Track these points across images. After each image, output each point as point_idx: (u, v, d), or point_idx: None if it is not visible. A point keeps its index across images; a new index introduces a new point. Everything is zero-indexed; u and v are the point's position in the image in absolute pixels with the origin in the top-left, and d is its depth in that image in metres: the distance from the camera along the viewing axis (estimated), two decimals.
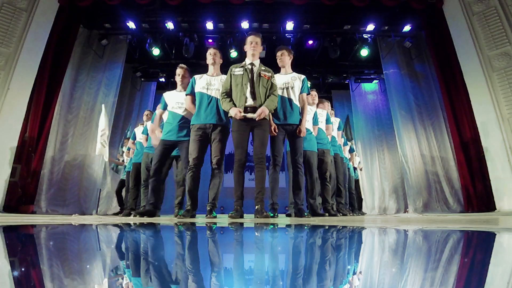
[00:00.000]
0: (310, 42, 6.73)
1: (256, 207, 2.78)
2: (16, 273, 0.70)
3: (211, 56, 3.26)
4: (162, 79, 8.04)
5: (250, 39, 3.04)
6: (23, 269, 0.76)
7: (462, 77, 4.89)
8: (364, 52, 6.72)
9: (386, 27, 6.58)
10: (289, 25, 6.19)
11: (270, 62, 3.50)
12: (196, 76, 3.29)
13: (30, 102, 4.80)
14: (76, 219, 3.08)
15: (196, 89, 3.21)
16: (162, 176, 3.48)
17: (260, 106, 2.85)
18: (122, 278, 0.66)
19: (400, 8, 5.71)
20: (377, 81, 8.13)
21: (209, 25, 6.15)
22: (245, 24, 6.15)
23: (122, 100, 7.16)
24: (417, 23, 6.13)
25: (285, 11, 5.98)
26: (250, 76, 2.90)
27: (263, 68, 3.01)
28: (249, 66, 2.96)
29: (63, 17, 5.22)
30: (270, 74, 3.01)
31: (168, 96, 3.63)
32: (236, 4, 5.53)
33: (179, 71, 3.60)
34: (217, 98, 3.11)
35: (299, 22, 6.29)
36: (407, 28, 6.24)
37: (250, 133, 2.92)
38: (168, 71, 7.93)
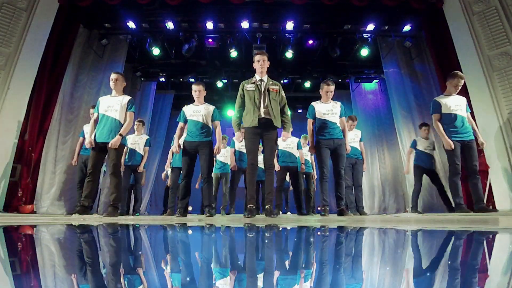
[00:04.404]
0: (310, 42, 6.72)
1: (266, 207, 3.26)
2: (16, 273, 0.70)
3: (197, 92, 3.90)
4: (162, 79, 8.04)
5: (257, 57, 3.40)
6: (23, 269, 0.76)
7: None
8: (364, 52, 6.71)
9: (386, 27, 6.57)
10: (289, 25, 6.19)
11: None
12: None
13: (30, 102, 4.80)
14: (76, 219, 3.08)
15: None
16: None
17: (270, 117, 3.28)
18: (124, 278, 0.66)
19: (400, 8, 5.70)
20: (377, 81, 8.12)
21: (209, 25, 6.15)
22: (245, 24, 6.14)
23: None
24: (417, 23, 6.12)
25: (285, 11, 5.97)
26: (261, 91, 3.33)
27: (271, 82, 3.42)
28: (259, 82, 3.37)
29: (63, 17, 5.21)
30: (277, 87, 3.42)
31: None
32: (236, 4, 5.53)
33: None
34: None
35: (299, 22, 6.28)
36: (407, 28, 6.24)
37: (260, 140, 3.38)
38: (168, 71, 7.93)
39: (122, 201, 4.91)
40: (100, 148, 3.56)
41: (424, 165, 5.00)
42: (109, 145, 3.46)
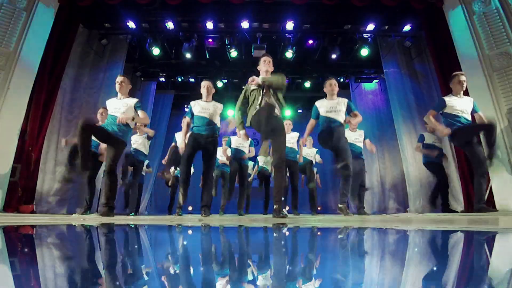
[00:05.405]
0: (310, 42, 6.72)
1: (275, 207, 3.09)
2: (16, 273, 0.70)
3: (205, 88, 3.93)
4: (162, 79, 8.03)
5: (264, 58, 3.42)
6: (23, 269, 0.76)
7: None
8: (364, 52, 6.70)
9: (386, 27, 6.57)
10: (289, 25, 6.19)
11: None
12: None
13: (30, 102, 4.80)
14: (76, 219, 3.08)
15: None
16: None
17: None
18: (124, 278, 0.66)
19: (400, 7, 5.70)
20: (377, 81, 8.12)
21: (209, 25, 6.15)
22: (245, 24, 6.14)
23: None
24: (417, 23, 6.12)
25: (285, 11, 5.97)
26: (263, 90, 3.25)
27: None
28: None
29: (63, 17, 5.21)
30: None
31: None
32: (236, 4, 5.52)
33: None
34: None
35: (299, 22, 6.28)
36: (407, 27, 6.24)
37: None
38: (168, 71, 7.94)
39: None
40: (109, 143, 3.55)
41: (432, 160, 4.99)
42: (119, 119, 3.45)
